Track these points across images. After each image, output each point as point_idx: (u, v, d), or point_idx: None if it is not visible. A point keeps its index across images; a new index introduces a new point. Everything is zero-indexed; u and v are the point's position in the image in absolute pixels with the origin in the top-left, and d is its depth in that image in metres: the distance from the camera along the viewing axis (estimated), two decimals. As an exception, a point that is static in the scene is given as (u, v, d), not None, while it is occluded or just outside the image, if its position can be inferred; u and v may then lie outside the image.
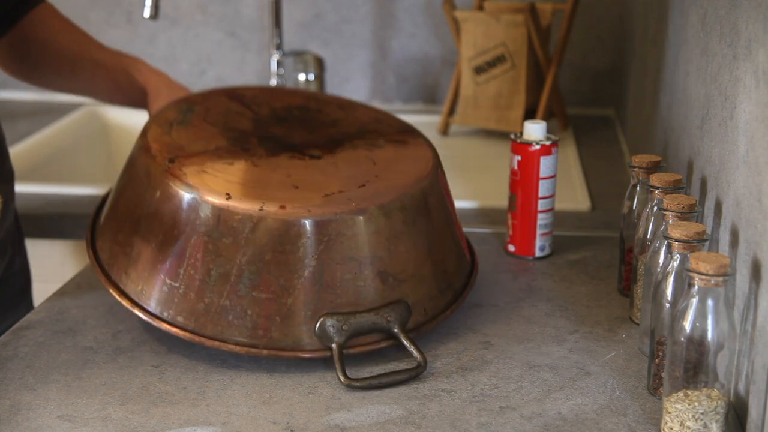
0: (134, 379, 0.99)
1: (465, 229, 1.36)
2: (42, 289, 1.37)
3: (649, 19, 1.57)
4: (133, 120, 2.06)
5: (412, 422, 0.92)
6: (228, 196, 0.98)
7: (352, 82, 2.07)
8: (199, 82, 2.10)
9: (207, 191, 0.99)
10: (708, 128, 1.06)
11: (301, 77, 1.92)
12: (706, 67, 1.08)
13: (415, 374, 0.98)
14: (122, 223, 1.06)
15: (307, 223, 0.97)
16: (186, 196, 0.99)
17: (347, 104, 1.22)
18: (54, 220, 1.46)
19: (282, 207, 0.97)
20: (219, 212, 0.98)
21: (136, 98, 1.38)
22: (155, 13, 1.59)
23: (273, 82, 1.95)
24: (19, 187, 1.56)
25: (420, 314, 1.04)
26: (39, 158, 1.79)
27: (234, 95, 1.19)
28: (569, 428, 0.91)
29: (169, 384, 0.98)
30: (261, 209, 0.97)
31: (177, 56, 2.09)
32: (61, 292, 1.18)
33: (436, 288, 1.06)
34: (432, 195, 1.07)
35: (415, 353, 0.99)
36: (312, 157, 1.08)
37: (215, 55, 2.09)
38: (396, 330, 1.01)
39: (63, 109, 2.03)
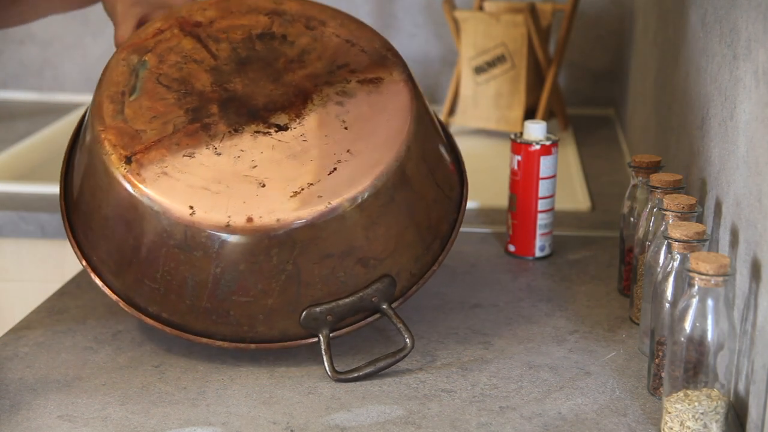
0: (134, 379, 0.99)
1: (465, 229, 1.36)
2: (42, 289, 1.37)
3: (649, 19, 1.57)
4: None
5: (412, 422, 0.92)
6: (192, 211, 0.93)
7: (352, 82, 2.07)
8: (199, 82, 2.10)
9: (170, 205, 0.93)
10: (708, 128, 1.06)
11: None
12: (706, 67, 1.08)
13: (402, 356, 0.98)
14: (92, 211, 1.00)
15: (277, 234, 0.93)
16: (149, 209, 0.94)
17: (315, 19, 1.07)
18: (54, 220, 1.46)
19: (249, 220, 0.92)
20: (185, 228, 0.93)
21: None
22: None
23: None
24: (20, 187, 1.56)
25: (406, 279, 1.01)
26: (39, 158, 1.79)
27: (189, 26, 1.05)
28: (569, 428, 0.91)
29: (169, 384, 0.98)
30: (227, 225, 0.92)
31: (177, 56, 2.09)
32: (61, 292, 1.18)
33: (421, 247, 1.02)
34: (410, 158, 0.98)
35: (403, 331, 0.98)
36: (278, 129, 0.98)
37: (215, 55, 2.08)
38: (384, 307, 0.99)
39: (63, 109, 2.03)
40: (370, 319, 1.01)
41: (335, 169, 0.96)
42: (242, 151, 0.97)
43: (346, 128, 0.99)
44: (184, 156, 0.96)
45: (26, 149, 1.79)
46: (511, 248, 1.30)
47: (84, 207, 1.02)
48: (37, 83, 2.13)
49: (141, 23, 1.12)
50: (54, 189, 1.55)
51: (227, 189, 0.94)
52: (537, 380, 0.99)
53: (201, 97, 1.01)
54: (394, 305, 1.01)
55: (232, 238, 0.93)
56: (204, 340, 0.99)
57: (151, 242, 0.95)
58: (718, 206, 1.01)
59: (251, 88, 1.02)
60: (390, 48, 1.06)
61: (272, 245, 0.93)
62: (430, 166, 1.02)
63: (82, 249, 1.03)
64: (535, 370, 1.01)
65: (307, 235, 0.94)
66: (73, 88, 2.12)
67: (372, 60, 1.05)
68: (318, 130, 0.99)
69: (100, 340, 1.07)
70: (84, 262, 1.02)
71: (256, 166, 0.96)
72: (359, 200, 0.95)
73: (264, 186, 0.94)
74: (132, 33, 1.09)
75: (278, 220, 0.93)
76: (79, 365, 1.02)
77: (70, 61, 2.11)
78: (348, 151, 0.97)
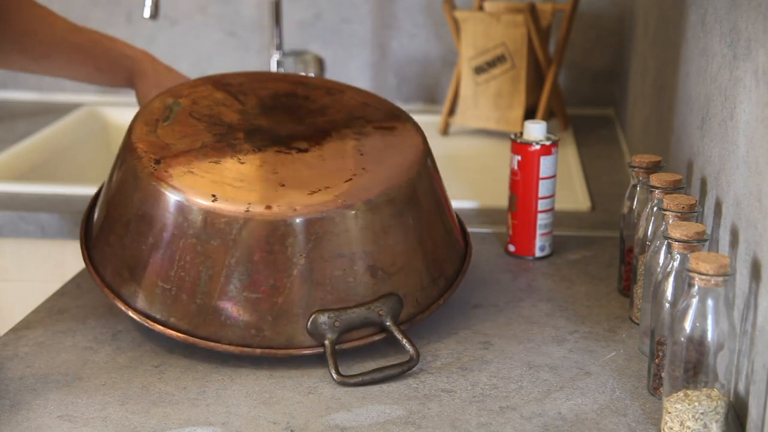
0: (134, 379, 0.99)
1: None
2: (42, 289, 1.37)
3: (649, 19, 1.57)
4: (133, 120, 2.06)
5: (412, 422, 0.92)
6: (214, 198, 0.98)
7: (352, 82, 2.07)
8: (199, 82, 2.10)
9: (193, 193, 0.98)
10: (708, 128, 1.06)
11: (301, 77, 1.92)
12: (706, 67, 1.08)
13: (408, 368, 0.98)
14: (113, 223, 1.05)
15: (294, 223, 0.97)
16: (172, 198, 0.99)
17: (335, 88, 1.19)
18: (54, 220, 1.46)
19: (268, 207, 0.97)
20: (205, 215, 0.97)
21: (118, 81, 1.35)
22: (155, 13, 1.59)
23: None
24: (19, 187, 1.56)
25: (412, 305, 1.04)
26: (39, 158, 1.79)
27: (220, 84, 1.17)
28: (569, 428, 0.91)
29: (169, 384, 0.98)
30: (247, 210, 0.97)
31: (177, 56, 2.09)
32: (61, 292, 1.18)
33: (428, 278, 1.06)
34: (421, 184, 1.06)
35: (408, 346, 0.99)
36: (299, 151, 1.06)
37: (215, 55, 2.09)
38: (388, 323, 1.01)
39: (63, 109, 2.03)
40: (376, 337, 1.02)
41: (351, 179, 1.02)
42: (265, 162, 1.04)
43: (362, 154, 1.06)
44: (209, 162, 1.03)
45: (26, 149, 1.78)
46: (511, 248, 1.30)
47: (105, 224, 1.06)
48: (37, 83, 2.13)
49: None
50: (54, 189, 1.55)
51: (249, 185, 1.00)
52: (537, 380, 0.99)
53: (229, 127, 1.09)
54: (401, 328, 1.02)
55: (250, 224, 0.97)
56: (210, 344, 0.99)
57: (170, 236, 0.99)
58: (718, 206, 1.01)
59: (275, 124, 1.10)
60: (402, 110, 1.17)
61: (288, 234, 0.97)
62: (438, 204, 1.09)
63: (96, 267, 1.07)
64: (535, 370, 1.01)
65: (321, 228, 0.97)
66: (73, 88, 2.12)
67: (386, 115, 1.15)
68: (336, 154, 1.06)
69: (100, 340, 1.07)
70: (98, 280, 1.06)
71: (276, 172, 1.02)
72: (372, 203, 1.00)
73: (283, 185, 1.00)
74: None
75: (295, 209, 0.97)
76: (79, 365, 1.02)
77: (70, 61, 2.11)
78: (363, 168, 1.04)
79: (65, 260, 1.48)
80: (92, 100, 2.09)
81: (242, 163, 1.03)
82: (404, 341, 1.00)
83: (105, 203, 1.08)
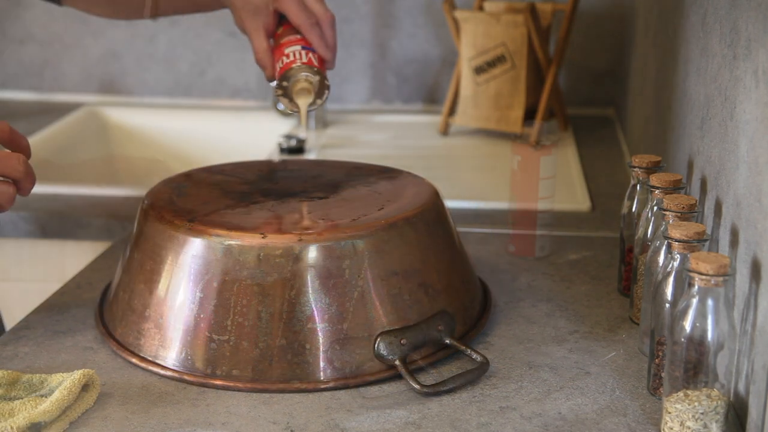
0: (134, 379, 0.99)
1: (465, 229, 1.37)
2: (42, 289, 1.37)
3: (649, 19, 1.57)
4: (132, 120, 2.06)
5: (412, 422, 0.92)
6: (263, 235, 0.98)
7: (352, 82, 2.07)
8: (199, 82, 2.10)
9: (240, 235, 0.98)
10: (708, 128, 1.06)
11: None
12: (706, 67, 1.08)
13: (482, 372, 0.98)
14: (145, 298, 1.03)
15: (348, 245, 0.98)
16: (220, 246, 0.98)
17: (320, 162, 1.26)
18: (54, 220, 1.46)
19: (319, 234, 0.98)
20: (259, 252, 0.97)
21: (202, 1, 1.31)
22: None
23: (273, 82, 1.95)
24: (19, 187, 1.56)
25: (461, 323, 1.06)
26: (39, 158, 1.79)
27: (213, 170, 1.20)
28: (569, 428, 0.91)
29: (169, 384, 0.98)
30: (300, 239, 0.98)
31: (177, 56, 2.09)
32: (61, 292, 1.18)
33: (468, 298, 1.08)
34: (442, 209, 1.10)
35: (475, 355, 1.00)
36: (319, 198, 1.09)
37: (215, 55, 2.09)
38: (447, 339, 1.01)
39: (63, 109, 2.03)
40: (440, 355, 1.02)
41: (382, 208, 1.05)
42: (293, 209, 1.07)
43: (379, 194, 1.11)
44: (242, 215, 1.04)
45: (26, 149, 1.78)
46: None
47: (137, 302, 1.04)
48: (37, 83, 2.13)
49: (267, 31, 1.21)
50: (54, 189, 1.55)
51: (292, 223, 1.02)
52: (537, 380, 0.99)
53: (242, 193, 1.11)
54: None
55: (306, 252, 0.97)
56: (281, 385, 0.97)
57: (221, 283, 0.98)
58: (718, 206, 1.01)
59: (284, 186, 1.14)
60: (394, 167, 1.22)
61: (344, 256, 0.98)
62: (457, 235, 1.12)
63: (126, 348, 1.04)
64: (535, 370, 1.01)
65: (373, 247, 0.99)
66: (73, 88, 2.12)
67: (381, 170, 1.20)
68: (355, 198, 1.10)
69: (100, 340, 1.07)
70: (114, 344, 1.04)
71: (311, 212, 1.06)
72: (410, 221, 1.03)
73: (323, 219, 1.03)
74: (263, 48, 1.22)
75: (345, 232, 0.99)
76: (79, 365, 1.02)
77: (70, 61, 2.11)
78: (388, 200, 1.08)
79: (65, 260, 1.48)
80: (92, 100, 2.09)
81: (272, 211, 1.06)
82: (470, 351, 1.00)
83: (129, 283, 1.06)
